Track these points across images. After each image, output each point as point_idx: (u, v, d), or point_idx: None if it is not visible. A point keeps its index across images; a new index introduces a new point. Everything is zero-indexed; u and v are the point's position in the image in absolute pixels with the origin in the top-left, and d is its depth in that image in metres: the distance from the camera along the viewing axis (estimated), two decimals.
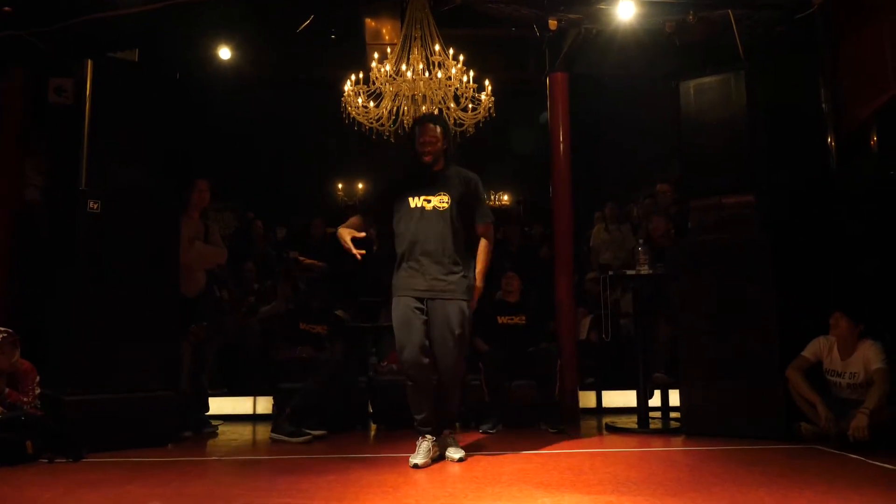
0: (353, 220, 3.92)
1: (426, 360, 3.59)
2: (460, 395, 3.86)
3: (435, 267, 3.60)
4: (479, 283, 3.77)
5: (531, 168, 6.62)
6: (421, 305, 3.61)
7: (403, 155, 3.64)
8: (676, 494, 2.84)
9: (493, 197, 10.60)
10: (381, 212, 3.88)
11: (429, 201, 3.65)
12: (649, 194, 6.79)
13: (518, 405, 5.12)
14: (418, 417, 3.67)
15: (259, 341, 6.04)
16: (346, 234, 3.71)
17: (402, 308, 3.63)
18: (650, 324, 5.25)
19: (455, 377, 3.72)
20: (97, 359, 4.19)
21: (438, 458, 3.63)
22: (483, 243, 3.82)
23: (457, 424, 4.34)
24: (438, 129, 3.73)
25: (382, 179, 3.84)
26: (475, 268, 3.78)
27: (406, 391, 3.70)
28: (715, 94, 4.89)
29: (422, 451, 3.55)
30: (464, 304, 3.64)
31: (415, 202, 3.67)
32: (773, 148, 4.86)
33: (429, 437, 3.63)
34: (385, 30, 6.62)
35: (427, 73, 6.39)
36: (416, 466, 3.43)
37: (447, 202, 3.65)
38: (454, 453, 3.67)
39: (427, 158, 3.70)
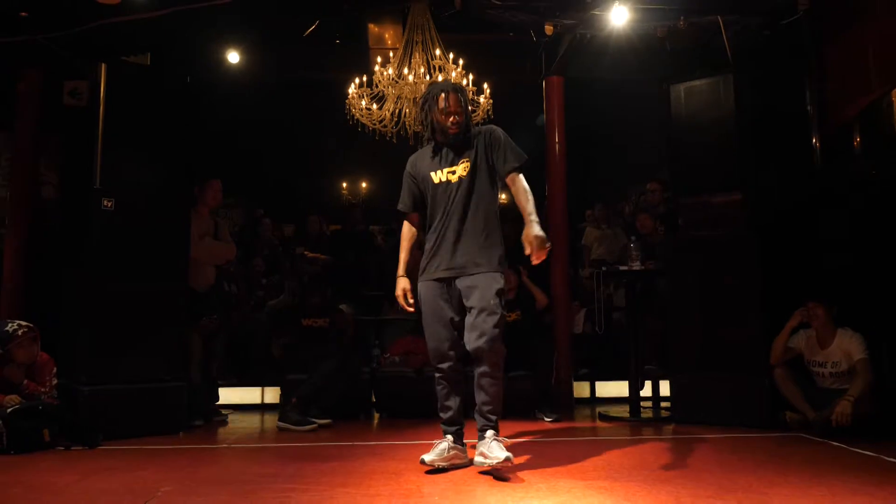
0: (408, 233, 3.36)
1: (453, 353, 3.12)
2: (501, 386, 3.10)
3: (464, 242, 3.12)
4: (534, 231, 3.01)
5: (527, 167, 6.59)
6: (447, 290, 3.14)
7: (405, 155, 3.42)
8: (667, 480, 2.84)
9: None
10: (416, 201, 3.32)
11: (453, 172, 3.18)
12: (641, 192, 6.80)
13: (515, 395, 5.12)
14: (443, 416, 3.19)
15: (266, 334, 6.04)
16: (403, 289, 3.27)
17: (428, 296, 3.17)
18: (641, 317, 5.25)
19: (492, 360, 3.03)
20: (111, 350, 4.18)
21: (467, 464, 3.11)
22: (514, 190, 3.19)
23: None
24: (464, 97, 3.22)
25: (401, 169, 3.41)
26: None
27: (434, 384, 3.22)
28: (704, 97, 4.89)
29: (436, 449, 3.06)
30: (497, 275, 3.11)
31: (438, 177, 3.20)
32: (759, 148, 4.86)
33: (449, 437, 3.12)
34: (388, 35, 6.61)
35: (428, 77, 6.38)
36: (422, 462, 3.01)
37: (468, 167, 3.17)
38: (499, 452, 2.90)
39: (453, 130, 3.17)
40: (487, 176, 3.20)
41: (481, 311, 3.01)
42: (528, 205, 3.11)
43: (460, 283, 3.11)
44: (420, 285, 3.21)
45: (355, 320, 5.43)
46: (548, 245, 3.03)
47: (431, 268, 3.18)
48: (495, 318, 3.00)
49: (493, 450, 2.92)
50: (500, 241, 3.20)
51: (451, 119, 3.14)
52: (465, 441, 3.18)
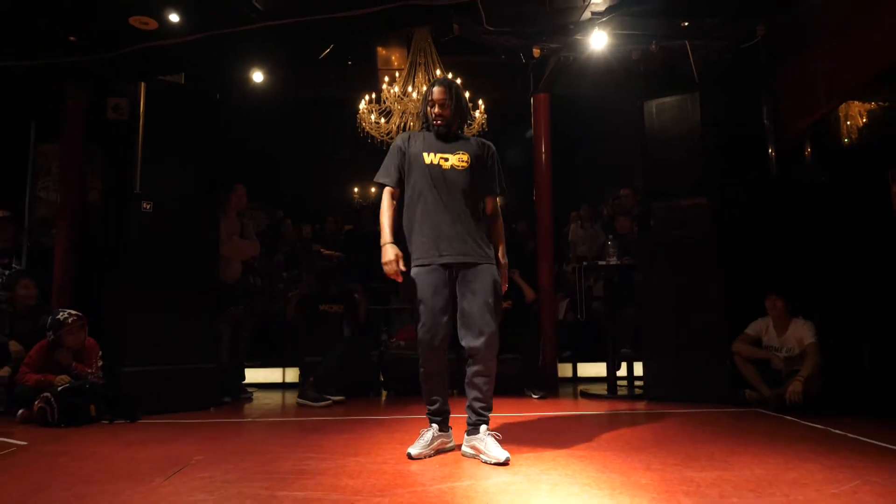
0: (389, 206, 2.85)
1: (444, 343, 2.73)
2: (493, 383, 2.79)
3: (466, 230, 2.73)
4: (503, 259, 2.87)
5: (518, 175, 6.58)
6: (448, 276, 2.73)
7: None
8: (640, 450, 2.85)
9: None
10: (401, 177, 2.86)
11: (446, 159, 2.78)
12: (616, 197, 6.81)
13: (506, 375, 5.12)
14: (430, 407, 2.84)
15: (286, 321, 6.04)
16: (396, 254, 2.73)
17: (433, 283, 2.72)
18: (618, 306, 5.26)
19: (489, 360, 2.71)
20: (149, 336, 4.19)
21: (453, 448, 2.86)
22: (495, 223, 2.92)
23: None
24: (449, 91, 2.84)
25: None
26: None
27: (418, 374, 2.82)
28: (674, 113, 4.90)
29: (421, 440, 2.75)
30: (494, 270, 2.77)
31: (430, 158, 2.78)
32: (722, 157, 4.87)
33: (434, 427, 2.81)
34: (394, 57, 6.61)
35: None
36: (409, 456, 2.68)
37: (466, 161, 2.79)
38: (496, 451, 2.60)
39: (438, 123, 2.82)
40: (480, 179, 2.85)
41: (484, 310, 2.68)
42: (499, 241, 2.91)
43: (463, 272, 2.73)
44: (422, 270, 2.74)
45: (367, 305, 5.43)
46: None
47: (435, 252, 2.72)
48: (495, 320, 2.71)
49: (489, 447, 2.63)
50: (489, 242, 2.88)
51: (435, 110, 2.83)
52: (450, 426, 2.90)
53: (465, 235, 2.74)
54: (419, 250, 2.78)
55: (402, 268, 2.71)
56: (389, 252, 2.71)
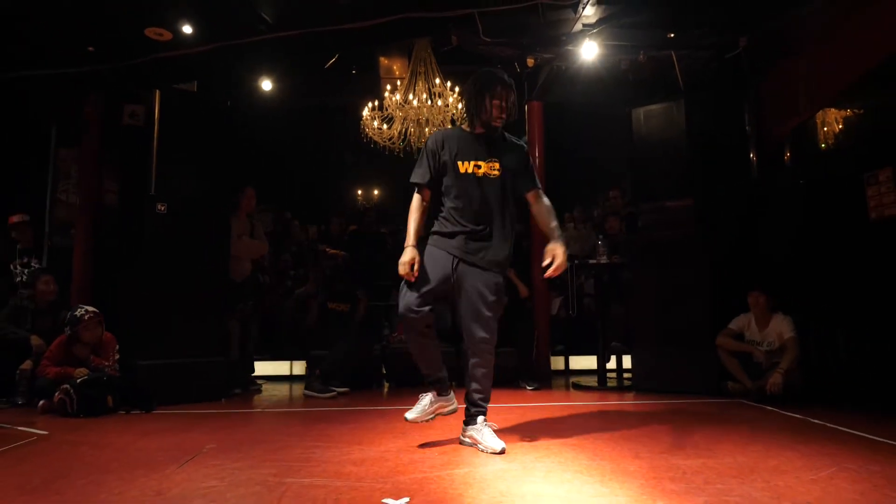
0: (418, 207, 2.73)
1: (431, 309, 2.63)
2: (492, 376, 2.75)
3: (495, 241, 2.68)
4: (561, 247, 2.67)
5: None
6: (452, 265, 2.66)
7: (410, 168, 2.84)
8: (629, 438, 2.85)
9: None
10: (434, 178, 2.74)
11: (479, 167, 2.67)
12: (605, 199, 6.81)
13: (502, 368, 5.12)
14: (427, 374, 2.77)
15: (293, 317, 6.03)
16: (413, 258, 2.62)
17: (433, 255, 2.68)
18: (608, 303, 5.26)
19: (488, 355, 2.69)
20: (163, 331, 4.19)
21: (454, 410, 2.82)
22: (538, 208, 2.79)
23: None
24: (514, 96, 2.71)
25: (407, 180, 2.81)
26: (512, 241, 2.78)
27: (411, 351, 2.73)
28: (660, 119, 4.89)
29: (419, 405, 2.74)
30: (498, 277, 2.69)
31: (464, 167, 2.68)
32: (707, 162, 4.86)
33: (433, 392, 2.77)
34: (395, 66, 6.60)
35: (429, 102, 6.37)
36: (406, 419, 2.71)
37: (498, 170, 2.69)
38: (493, 442, 2.58)
39: (498, 123, 2.69)
40: (511, 184, 2.74)
41: (491, 309, 2.64)
42: (553, 221, 2.75)
43: (463, 271, 2.65)
44: (435, 249, 2.69)
45: (368, 304, 5.43)
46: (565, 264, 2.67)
47: (454, 245, 2.66)
48: (494, 315, 2.68)
49: (486, 438, 2.60)
50: (511, 242, 2.79)
51: (502, 114, 2.66)
52: (451, 389, 2.81)
53: (495, 249, 2.68)
54: (439, 233, 2.72)
55: (416, 273, 2.61)
56: (408, 254, 2.62)
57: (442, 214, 2.75)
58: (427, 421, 2.74)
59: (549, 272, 2.65)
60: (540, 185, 2.81)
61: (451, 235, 2.69)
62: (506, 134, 2.81)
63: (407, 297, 2.63)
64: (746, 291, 4.32)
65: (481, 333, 2.64)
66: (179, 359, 4.21)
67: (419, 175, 2.74)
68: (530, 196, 2.79)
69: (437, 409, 2.76)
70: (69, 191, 5.68)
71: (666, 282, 4.61)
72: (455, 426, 2.89)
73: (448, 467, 2.34)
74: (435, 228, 2.76)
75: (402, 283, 2.66)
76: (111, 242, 5.15)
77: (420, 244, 2.72)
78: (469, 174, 2.68)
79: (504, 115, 2.68)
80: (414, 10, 4.74)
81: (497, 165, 2.70)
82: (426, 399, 2.75)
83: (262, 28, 4.76)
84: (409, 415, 2.70)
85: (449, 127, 2.88)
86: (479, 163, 2.69)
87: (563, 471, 2.27)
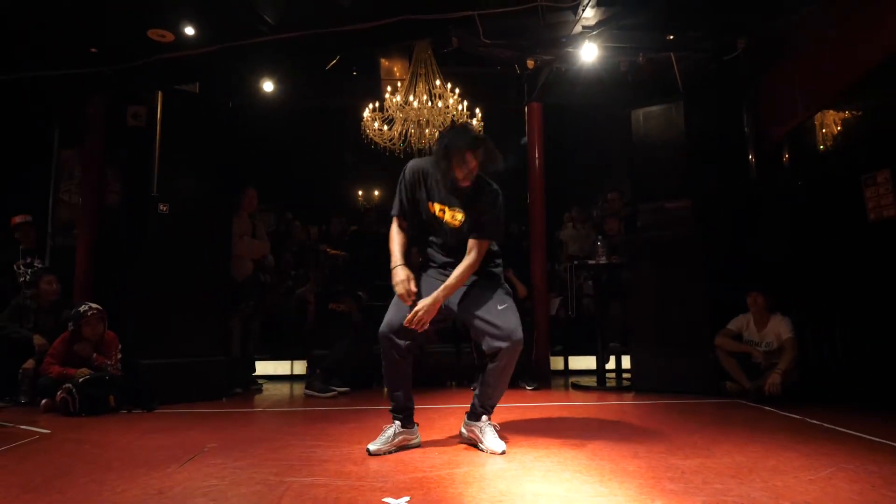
0: (398, 232, 2.69)
1: (404, 345, 2.60)
2: (506, 381, 2.64)
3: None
4: (441, 295, 2.54)
5: (513, 179, 6.60)
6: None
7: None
8: (627, 438, 2.85)
9: None
10: (407, 209, 2.70)
11: (443, 211, 2.62)
12: (604, 201, 6.80)
13: None
14: (393, 403, 2.68)
15: (295, 316, 6.03)
16: (408, 276, 2.58)
17: (428, 282, 2.68)
18: (607, 303, 5.25)
19: (511, 360, 2.55)
20: (165, 330, 4.19)
21: (416, 445, 2.70)
22: (467, 256, 2.59)
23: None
24: (478, 154, 2.52)
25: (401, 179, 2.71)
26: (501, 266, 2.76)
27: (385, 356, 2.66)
28: (659, 120, 4.89)
29: (382, 436, 2.60)
30: (500, 286, 2.68)
31: (433, 208, 2.64)
32: (706, 162, 4.87)
33: (397, 423, 2.65)
34: (396, 68, 6.61)
35: (430, 103, 6.37)
36: (368, 452, 2.54)
37: (459, 220, 2.60)
38: (495, 443, 2.56)
39: (464, 184, 2.55)
40: (470, 230, 2.64)
41: (494, 303, 2.59)
42: (457, 274, 2.56)
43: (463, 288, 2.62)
44: (430, 278, 2.72)
45: (364, 305, 5.42)
46: (424, 319, 2.53)
47: (445, 273, 2.65)
48: (513, 307, 2.62)
49: (487, 437, 2.59)
50: (498, 264, 2.75)
51: (465, 178, 2.53)
52: (415, 422, 2.73)
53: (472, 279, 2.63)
54: (429, 262, 2.75)
55: (414, 288, 2.54)
56: (400, 273, 2.56)
57: (428, 246, 2.75)
58: (390, 453, 2.56)
59: (405, 321, 2.53)
60: (489, 237, 2.63)
61: (440, 265, 2.70)
62: (482, 180, 2.64)
63: (393, 318, 2.57)
64: (745, 292, 4.31)
65: (512, 333, 2.50)
66: (181, 358, 4.21)
67: (395, 206, 2.71)
68: (470, 241, 2.60)
69: (400, 441, 2.62)
70: (71, 191, 5.68)
71: (664, 282, 4.61)
72: (455, 426, 2.89)
73: (448, 467, 2.34)
74: (425, 258, 2.76)
75: (394, 299, 2.59)
76: (113, 242, 5.15)
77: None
78: (435, 216, 2.65)
79: (469, 179, 2.54)
80: (414, 12, 4.74)
81: (460, 216, 2.61)
82: (390, 430, 2.63)
83: (264, 30, 4.76)
84: (372, 446, 2.55)
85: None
86: (444, 208, 2.63)
87: (563, 470, 2.26)
